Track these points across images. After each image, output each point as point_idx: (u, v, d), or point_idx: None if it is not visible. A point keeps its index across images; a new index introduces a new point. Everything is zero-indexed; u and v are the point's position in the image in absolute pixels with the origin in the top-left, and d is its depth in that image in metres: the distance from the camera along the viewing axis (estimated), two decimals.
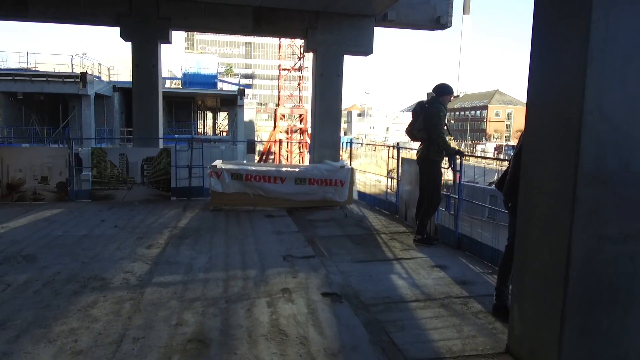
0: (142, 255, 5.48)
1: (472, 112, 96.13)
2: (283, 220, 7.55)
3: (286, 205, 8.43)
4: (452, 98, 6.27)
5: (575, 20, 2.71)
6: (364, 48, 10.38)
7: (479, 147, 65.86)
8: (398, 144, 10.91)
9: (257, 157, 46.93)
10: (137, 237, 6.31)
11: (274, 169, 8.57)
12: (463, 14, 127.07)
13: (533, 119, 3.17)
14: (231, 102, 35.35)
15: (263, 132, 72.26)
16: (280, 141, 43.30)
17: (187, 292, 4.32)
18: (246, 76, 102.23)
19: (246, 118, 39.09)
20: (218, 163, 8.63)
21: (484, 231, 8.18)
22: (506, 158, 6.02)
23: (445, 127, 5.86)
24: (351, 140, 10.59)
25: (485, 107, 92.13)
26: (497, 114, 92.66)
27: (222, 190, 8.22)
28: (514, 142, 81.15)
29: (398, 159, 8.13)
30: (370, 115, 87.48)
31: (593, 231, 2.79)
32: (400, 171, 7.86)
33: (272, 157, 46.97)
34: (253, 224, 7.21)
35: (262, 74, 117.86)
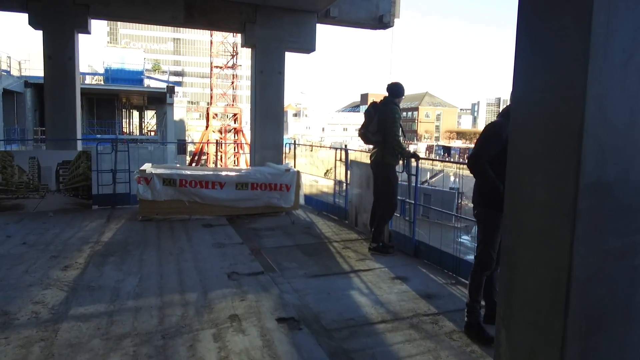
0: (57, 279, 4.59)
1: (404, 113, 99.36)
2: (224, 230, 6.86)
3: (226, 213, 7.73)
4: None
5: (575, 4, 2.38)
6: (306, 45, 9.89)
7: (412, 147, 68.07)
8: (346, 146, 10.54)
9: (188, 158, 45.09)
10: (50, 256, 5.36)
11: (211, 173, 7.83)
12: (393, 17, 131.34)
13: (520, 121, 2.82)
14: (159, 100, 33.46)
15: (194, 132, 69.64)
16: (217, 142, 41.88)
17: (114, 326, 3.57)
18: (175, 73, 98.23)
19: (176, 117, 37.28)
20: (147, 167, 7.74)
21: (421, 229, 8.01)
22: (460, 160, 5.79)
23: (401, 129, 5.52)
24: (295, 141, 10.02)
25: (416, 109, 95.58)
26: (427, 115, 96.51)
27: (153, 197, 7.36)
28: (443, 142, 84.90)
29: (347, 162, 7.74)
30: (306, 116, 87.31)
31: (595, 246, 2.48)
32: (349, 174, 7.45)
33: (204, 157, 45.32)
34: (190, 236, 6.46)
35: (193, 72, 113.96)
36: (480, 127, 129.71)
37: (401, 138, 5.51)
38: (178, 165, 8.69)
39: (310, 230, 7.03)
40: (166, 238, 6.31)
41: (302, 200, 8.24)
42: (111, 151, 8.86)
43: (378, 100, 5.74)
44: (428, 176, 48.59)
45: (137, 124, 43.83)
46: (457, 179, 50.66)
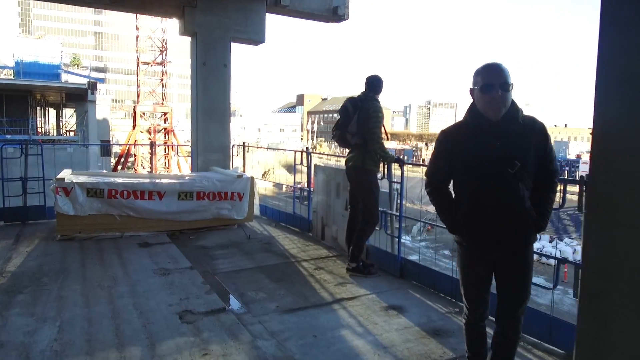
0: None
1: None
2: (166, 250, 5.70)
3: (167, 228, 6.54)
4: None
5: None
6: (255, 35, 8.85)
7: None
8: (308, 148, 9.62)
9: (113, 161, 41.85)
10: None
11: (148, 180, 6.57)
12: (327, 21, 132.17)
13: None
14: (80, 97, 30.49)
15: (119, 132, 65.21)
16: (152, 143, 39.05)
17: None
18: (97, 69, 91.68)
19: (99, 116, 34.35)
20: (67, 174, 6.36)
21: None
22: None
23: (383, 131, 4.72)
24: (244, 143, 8.98)
25: None
26: None
27: (75, 212, 6.01)
28: None
29: (309, 166, 6.84)
30: (241, 115, 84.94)
31: None
32: (313, 180, 6.57)
33: (131, 159, 42.24)
34: (124, 260, 5.24)
35: (117, 68, 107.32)
36: (412, 128, 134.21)
37: (383, 141, 4.71)
38: (105, 171, 7.25)
39: (271, 246, 6.04)
40: (93, 264, 5.05)
41: (256, 211, 7.23)
42: (20, 155, 7.30)
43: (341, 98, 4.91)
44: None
45: (55, 123, 39.89)
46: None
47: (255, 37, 8.88)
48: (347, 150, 4.99)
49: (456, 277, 4.00)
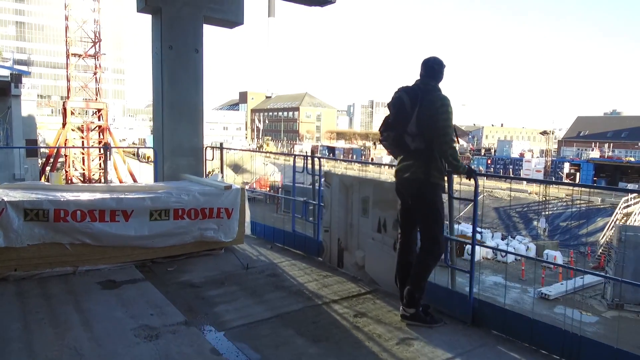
0: None
1: (285, 113, 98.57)
2: (141, 293, 4.19)
3: (136, 258, 5.00)
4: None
5: None
6: (232, 16, 7.40)
7: (296, 147, 67.19)
8: (313, 152, 8.28)
9: (40, 161, 37.89)
10: None
11: (109, 196, 4.97)
12: (268, 16, 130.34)
13: None
14: (1, 92, 26.90)
15: (47, 130, 59.88)
16: (106, 144, 35.58)
17: None
18: (20, 62, 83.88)
19: (24, 113, 30.69)
20: None
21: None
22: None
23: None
24: (221, 144, 7.52)
25: (297, 109, 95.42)
26: (308, 116, 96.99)
27: (7, 242, 4.33)
28: (325, 142, 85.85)
29: (319, 173, 5.56)
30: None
31: None
32: (324, 191, 5.29)
33: (62, 160, 38.46)
34: (85, 313, 3.70)
35: (42, 61, 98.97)
36: (356, 127, 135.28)
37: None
38: (45, 182, 5.53)
39: (280, 280, 4.69)
40: (40, 324, 3.47)
41: (247, 230, 5.83)
42: None
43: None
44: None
45: None
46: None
47: (233, 17, 7.44)
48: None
49: (559, 326, 2.92)
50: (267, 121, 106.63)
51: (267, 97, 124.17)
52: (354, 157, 69.26)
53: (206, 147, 7.44)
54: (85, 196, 4.88)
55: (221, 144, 7.81)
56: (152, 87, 7.27)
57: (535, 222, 37.64)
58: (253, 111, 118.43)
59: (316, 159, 5.84)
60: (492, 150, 67.06)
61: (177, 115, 7.02)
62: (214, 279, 4.64)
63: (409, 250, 3.80)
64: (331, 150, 71.79)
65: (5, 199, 4.37)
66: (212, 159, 7.47)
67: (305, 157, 5.85)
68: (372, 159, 68.65)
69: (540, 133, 62.24)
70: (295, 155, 6.26)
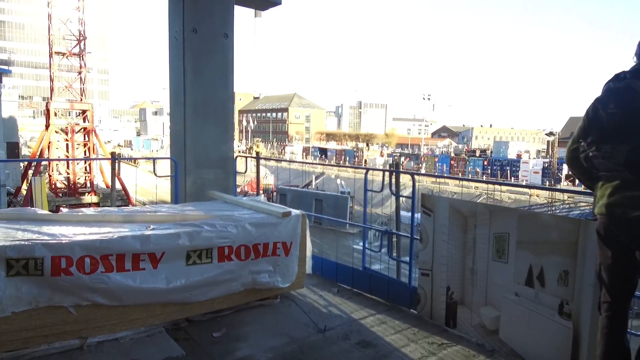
0: None
1: (274, 114, 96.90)
2: None
3: (167, 318, 3.55)
4: None
5: None
6: None
7: (287, 149, 65.57)
8: (397, 165, 6.86)
9: (22, 165, 35.80)
10: None
11: (128, 231, 3.47)
12: (255, 16, 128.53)
13: None
14: None
15: (28, 132, 57.48)
16: (113, 155, 33.62)
17: None
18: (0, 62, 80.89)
19: (5, 114, 28.81)
20: None
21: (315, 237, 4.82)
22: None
23: None
24: (258, 153, 6.12)
25: (286, 110, 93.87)
26: (297, 117, 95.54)
27: None
28: (316, 143, 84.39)
29: (395, 191, 4.17)
30: (168, 114, 78.46)
31: None
32: (427, 222, 3.88)
33: (44, 163, 36.38)
34: None
35: (22, 61, 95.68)
36: (345, 128, 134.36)
37: None
38: (40, 211, 3.98)
39: (381, 352, 3.27)
40: None
41: (308, 268, 4.39)
42: None
43: None
44: (314, 179, 46.51)
45: None
46: (342, 182, 49.72)
47: None
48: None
49: None
50: (255, 122, 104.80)
51: (255, 98, 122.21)
52: (347, 158, 67.89)
53: (237, 156, 5.99)
54: (94, 233, 3.40)
55: (257, 152, 6.35)
56: (170, 81, 5.80)
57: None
58: (241, 112, 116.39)
59: (394, 173, 4.44)
60: (488, 152, 66.34)
61: (202, 116, 5.57)
62: (284, 354, 3.21)
63: (623, 325, 2.43)
64: (323, 151, 70.30)
65: None
66: (245, 171, 6.02)
67: (386, 171, 4.44)
68: (365, 161, 67.46)
69: (547, 134, 61.65)
70: (368, 170, 4.84)
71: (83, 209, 4.16)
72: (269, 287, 4.01)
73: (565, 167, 49.06)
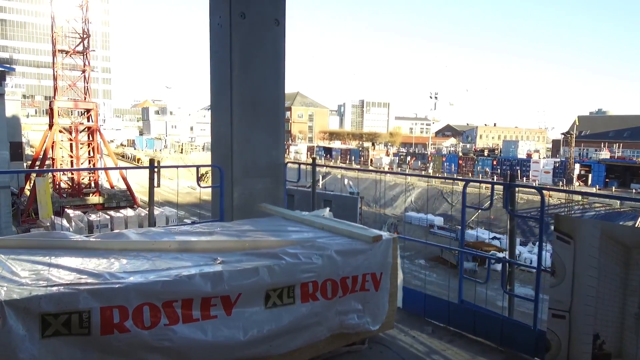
0: None
1: None
2: None
3: None
4: None
5: None
6: None
7: (291, 148, 64.73)
8: (512, 177, 6.02)
9: (26, 165, 35.07)
10: None
11: (191, 267, 2.67)
12: None
13: None
14: None
15: (32, 132, 56.64)
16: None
17: None
18: (1, 61, 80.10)
19: (8, 113, 28.00)
20: None
21: None
22: None
23: None
24: (314, 159, 5.27)
25: (289, 109, 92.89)
26: (300, 116, 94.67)
27: None
28: (319, 142, 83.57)
29: (541, 214, 3.39)
30: (172, 113, 77.58)
31: None
32: (564, 251, 3.07)
33: (48, 163, 35.70)
34: None
35: (25, 60, 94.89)
36: (347, 127, 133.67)
37: None
38: (73, 236, 3.14)
39: None
40: None
41: (399, 302, 3.58)
42: None
43: None
44: (320, 178, 45.62)
45: None
46: (350, 182, 48.84)
47: None
48: None
49: None
50: None
51: None
52: (353, 158, 66.97)
53: (287, 163, 5.19)
54: (148, 269, 2.61)
55: (314, 159, 5.54)
56: (212, 76, 5.00)
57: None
58: None
59: (509, 189, 3.63)
60: (497, 151, 65.42)
61: (251, 115, 4.77)
62: None
63: None
64: (328, 151, 69.44)
65: (3, 295, 2.09)
66: (298, 180, 5.21)
67: (496, 184, 3.63)
68: (371, 161, 66.61)
69: (563, 134, 60.69)
70: (468, 182, 4.04)
71: (124, 232, 3.36)
72: (358, 331, 3.22)
73: (577, 167, 48.26)
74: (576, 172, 47.20)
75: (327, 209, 4.31)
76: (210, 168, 4.92)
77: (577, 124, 57.08)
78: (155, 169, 4.05)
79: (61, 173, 35.94)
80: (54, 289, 2.21)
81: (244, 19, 4.64)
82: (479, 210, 3.37)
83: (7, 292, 2.13)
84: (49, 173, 36.25)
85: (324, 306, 3.01)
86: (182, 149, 63.28)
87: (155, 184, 4.00)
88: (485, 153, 64.97)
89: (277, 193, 4.99)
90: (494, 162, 54.65)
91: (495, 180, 43.56)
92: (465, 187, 3.94)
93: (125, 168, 35.12)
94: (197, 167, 5.01)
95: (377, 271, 3.30)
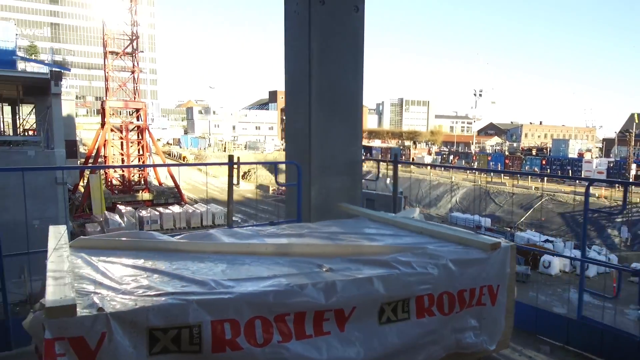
0: None
1: None
2: None
3: None
4: None
5: None
6: None
7: None
8: None
9: (79, 162, 36.47)
10: None
11: (300, 276, 2.36)
12: None
13: None
14: (41, 90, 25.13)
15: (83, 131, 59.03)
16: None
17: None
18: (55, 63, 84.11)
19: (64, 112, 29.14)
20: (62, 263, 2.16)
21: None
22: None
23: None
24: (396, 155, 4.95)
25: None
26: None
27: None
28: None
29: None
30: (215, 112, 79.03)
31: None
32: None
33: (101, 161, 37.00)
34: None
35: (76, 62, 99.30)
36: (386, 126, 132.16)
37: None
38: (160, 236, 2.89)
39: None
40: None
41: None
42: None
43: None
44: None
45: (10, 122, 34.09)
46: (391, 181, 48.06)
47: None
48: None
49: None
50: None
51: None
52: (394, 157, 65.79)
53: (365, 159, 4.84)
54: (253, 277, 2.32)
55: (396, 155, 5.18)
56: (286, 67, 4.71)
57: (609, 230, 33.96)
58: (283, 110, 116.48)
59: None
60: (546, 150, 62.71)
61: (328, 110, 4.45)
62: None
63: None
64: (368, 149, 68.70)
65: (108, 306, 1.84)
66: (377, 179, 4.85)
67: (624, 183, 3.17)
68: (412, 159, 65.46)
69: (620, 132, 57.61)
70: (591, 182, 3.59)
71: (212, 232, 3.11)
72: (474, 350, 2.82)
73: (634, 167, 45.45)
74: (632, 172, 44.43)
75: (417, 210, 3.95)
76: (250, 167, 4.65)
77: (637, 121, 53.75)
78: (235, 165, 3.79)
79: (112, 171, 37.21)
80: (161, 299, 1.95)
81: (323, 5, 4.33)
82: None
83: (110, 302, 1.88)
84: (101, 170, 37.58)
85: (440, 322, 2.63)
86: (225, 148, 64.31)
87: (235, 182, 3.74)
88: (534, 152, 62.40)
89: (355, 192, 4.65)
90: (543, 162, 52.33)
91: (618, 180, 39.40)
92: (588, 188, 3.46)
93: (205, 164, 35.84)
94: (276, 164, 4.74)
95: (494, 283, 2.90)
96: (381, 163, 4.62)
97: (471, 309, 2.80)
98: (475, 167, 55.08)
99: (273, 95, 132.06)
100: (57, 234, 2.75)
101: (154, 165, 42.16)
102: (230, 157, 3.88)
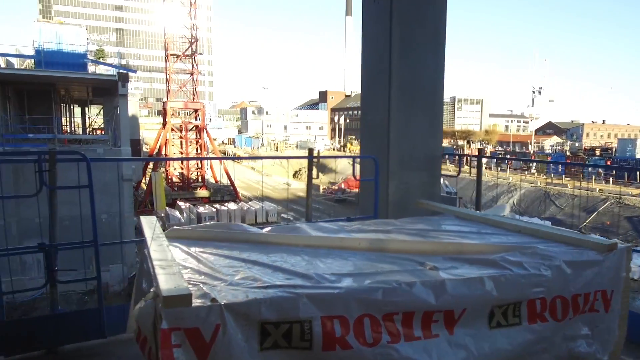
0: None
1: (355, 112, 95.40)
2: None
3: None
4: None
5: None
6: None
7: None
8: None
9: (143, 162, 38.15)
10: None
11: (407, 273, 2.25)
12: (346, 15, 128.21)
13: None
14: (108, 92, 26.59)
15: (145, 131, 61.89)
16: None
17: None
18: (121, 66, 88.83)
19: (129, 112, 30.59)
20: (176, 252, 2.15)
21: None
22: None
23: None
24: (480, 150, 4.65)
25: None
26: None
27: None
28: None
29: None
30: (267, 113, 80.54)
31: None
32: None
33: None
34: None
35: (139, 65, 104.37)
36: None
37: None
38: (250, 228, 2.86)
39: None
40: None
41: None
42: (37, 169, 3.12)
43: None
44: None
45: (80, 121, 36.35)
46: (446, 181, 46.85)
47: None
48: None
49: None
50: (347, 120, 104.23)
51: (346, 96, 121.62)
52: (446, 157, 64.14)
53: (444, 154, 4.64)
54: (353, 272, 2.21)
55: (480, 150, 4.90)
56: (363, 57, 4.58)
57: None
58: (333, 110, 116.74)
59: None
60: (610, 150, 58.79)
61: (408, 103, 4.28)
62: None
63: None
64: None
65: (220, 297, 1.79)
66: (458, 175, 4.62)
67: None
68: (466, 159, 63.34)
69: None
70: None
71: (298, 225, 3.05)
72: None
73: None
74: None
75: (507, 207, 3.69)
76: (302, 167, 4.54)
77: None
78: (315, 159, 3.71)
79: (172, 168, 38.72)
80: (271, 291, 1.88)
81: None
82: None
83: (222, 293, 1.84)
84: (163, 169, 39.19)
85: (552, 329, 2.41)
86: (277, 147, 65.27)
87: (315, 176, 3.65)
88: (597, 152, 58.64)
89: (434, 189, 4.46)
90: (608, 162, 49.01)
91: None
92: None
93: (288, 157, 36.79)
94: (354, 157, 4.64)
95: (608, 288, 2.63)
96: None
97: (583, 316, 2.55)
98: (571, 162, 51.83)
99: (323, 95, 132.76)
100: (150, 224, 2.78)
101: (229, 158, 43.33)
102: (310, 151, 3.82)
